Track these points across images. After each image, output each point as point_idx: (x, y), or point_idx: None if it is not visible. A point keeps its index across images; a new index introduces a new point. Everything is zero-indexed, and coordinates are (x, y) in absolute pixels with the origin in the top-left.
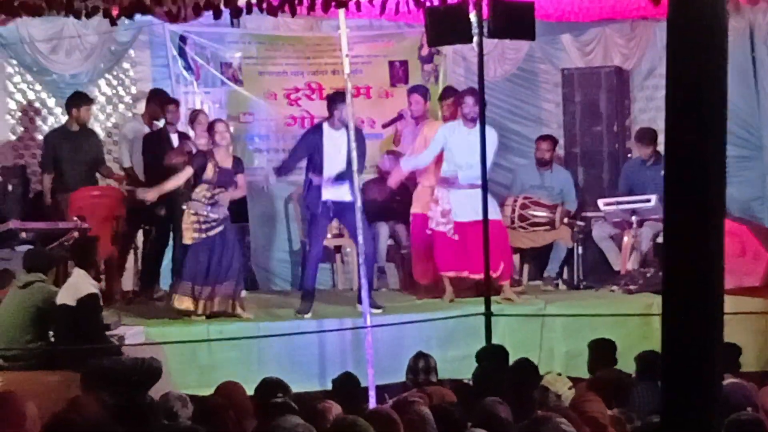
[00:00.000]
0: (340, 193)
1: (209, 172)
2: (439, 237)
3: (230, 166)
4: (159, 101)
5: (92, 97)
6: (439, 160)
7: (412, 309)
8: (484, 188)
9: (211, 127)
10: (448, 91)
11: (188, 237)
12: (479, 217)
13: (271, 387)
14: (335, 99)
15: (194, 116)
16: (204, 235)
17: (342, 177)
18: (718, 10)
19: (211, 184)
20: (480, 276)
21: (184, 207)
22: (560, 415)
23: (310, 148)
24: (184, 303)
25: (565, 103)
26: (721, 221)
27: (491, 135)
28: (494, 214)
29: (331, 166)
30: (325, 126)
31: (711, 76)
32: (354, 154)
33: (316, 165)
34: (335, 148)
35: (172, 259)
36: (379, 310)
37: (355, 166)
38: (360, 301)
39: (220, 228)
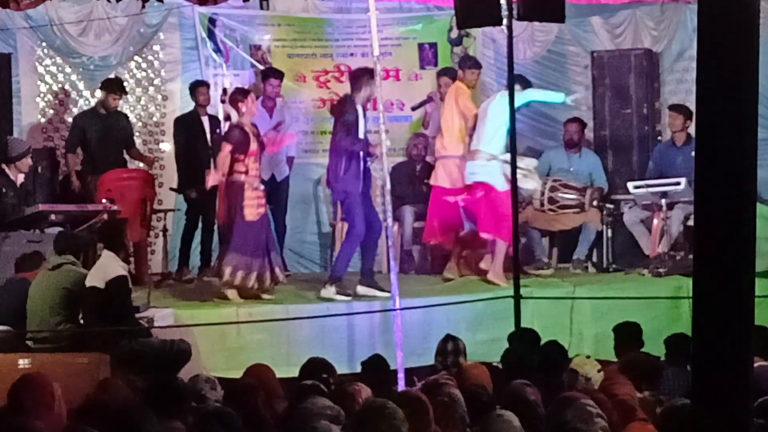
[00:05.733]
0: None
1: (253, 144)
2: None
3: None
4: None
5: (124, 84)
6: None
7: (441, 292)
8: (513, 166)
9: (234, 99)
10: (468, 61)
11: (252, 214)
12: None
13: (316, 367)
14: (359, 76)
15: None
16: (263, 210)
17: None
18: None
19: (255, 155)
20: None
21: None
22: (589, 397)
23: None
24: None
25: (594, 86)
26: (753, 204)
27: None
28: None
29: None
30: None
31: (742, 58)
32: (383, 135)
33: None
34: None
35: (201, 241)
36: (385, 293)
37: (384, 149)
38: (361, 282)
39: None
